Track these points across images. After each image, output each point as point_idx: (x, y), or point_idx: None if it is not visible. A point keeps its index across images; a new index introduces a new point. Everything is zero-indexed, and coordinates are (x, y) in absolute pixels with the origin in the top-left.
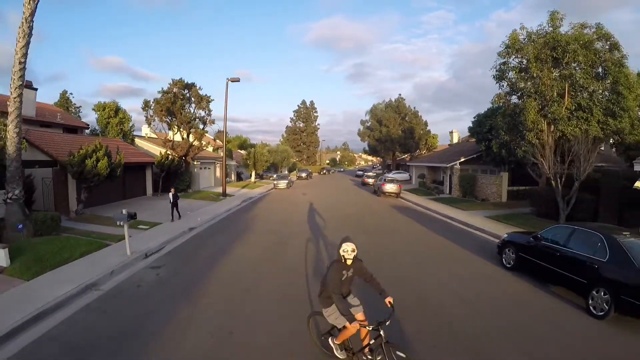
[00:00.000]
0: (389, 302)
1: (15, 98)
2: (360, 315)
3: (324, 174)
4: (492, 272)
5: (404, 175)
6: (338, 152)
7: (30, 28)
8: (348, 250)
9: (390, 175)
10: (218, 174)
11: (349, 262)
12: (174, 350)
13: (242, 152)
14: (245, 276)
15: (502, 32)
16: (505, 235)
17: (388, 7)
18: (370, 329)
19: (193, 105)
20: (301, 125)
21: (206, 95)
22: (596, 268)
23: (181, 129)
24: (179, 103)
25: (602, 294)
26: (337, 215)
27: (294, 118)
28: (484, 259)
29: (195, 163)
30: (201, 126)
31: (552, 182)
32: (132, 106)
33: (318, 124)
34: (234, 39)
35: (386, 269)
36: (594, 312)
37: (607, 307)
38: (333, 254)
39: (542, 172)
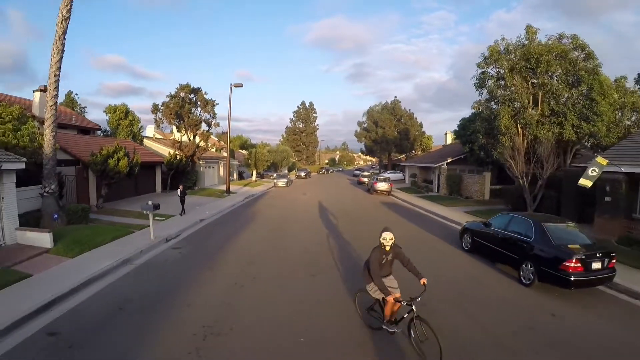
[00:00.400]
0: (423, 282)
1: (51, 106)
2: (397, 295)
3: (323, 173)
4: (453, 253)
5: (397, 175)
6: (337, 152)
7: (63, 45)
8: (387, 238)
9: (386, 175)
10: (221, 172)
11: (387, 248)
12: (197, 303)
13: (244, 152)
14: (250, 254)
15: (503, 32)
16: (465, 223)
17: (388, 7)
18: (404, 304)
19: (199, 108)
20: (301, 126)
21: (211, 99)
22: (525, 246)
23: (188, 131)
24: (186, 107)
25: (529, 266)
26: (330, 209)
27: (294, 119)
28: (449, 244)
29: (200, 162)
30: (206, 128)
31: (520, 180)
32: (132, 105)
33: (317, 125)
34: (235, 39)
35: (368, 251)
36: (524, 281)
37: (532, 277)
38: (323, 239)
39: (512, 172)
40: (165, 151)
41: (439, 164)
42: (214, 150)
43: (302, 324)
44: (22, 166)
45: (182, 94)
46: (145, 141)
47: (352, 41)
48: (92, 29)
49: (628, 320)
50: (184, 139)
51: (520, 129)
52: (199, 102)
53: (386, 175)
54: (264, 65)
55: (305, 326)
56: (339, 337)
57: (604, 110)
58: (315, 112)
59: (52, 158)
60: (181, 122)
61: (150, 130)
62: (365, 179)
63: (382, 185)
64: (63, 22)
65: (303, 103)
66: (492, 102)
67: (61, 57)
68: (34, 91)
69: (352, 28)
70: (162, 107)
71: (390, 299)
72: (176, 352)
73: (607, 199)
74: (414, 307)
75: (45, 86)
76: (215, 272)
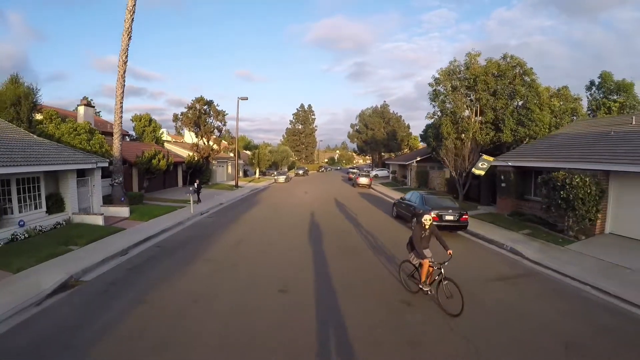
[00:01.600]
0: (450, 253)
1: (118, 123)
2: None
3: (322, 171)
4: (386, 219)
5: (384, 172)
6: (337, 152)
7: (124, 80)
8: (427, 219)
9: (373, 172)
10: (230, 170)
11: (426, 226)
12: (227, 241)
13: (247, 152)
14: (258, 219)
15: (503, 30)
16: (396, 199)
17: (388, 6)
18: (435, 268)
19: (212, 118)
20: (300, 127)
21: (222, 110)
22: (414, 208)
23: (204, 137)
24: (202, 117)
25: (414, 219)
26: (317, 197)
27: (293, 120)
28: (388, 215)
29: (213, 162)
30: (218, 134)
31: (453, 173)
32: (133, 106)
33: (315, 126)
34: (235, 39)
35: (339, 217)
36: (412, 228)
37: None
38: (308, 213)
39: (445, 166)
40: (181, 152)
41: (409, 162)
42: (222, 152)
43: (290, 239)
44: (107, 165)
45: (197, 106)
46: (166, 144)
47: (353, 41)
48: (91, 29)
49: (461, 248)
50: (200, 143)
51: (460, 134)
52: (212, 113)
53: (373, 172)
54: (264, 64)
55: (285, 234)
56: (303, 225)
57: (539, 117)
58: (313, 114)
59: (119, 159)
60: (198, 129)
61: (163, 135)
62: (353, 175)
63: (363, 180)
64: (123, 65)
65: (302, 105)
66: (442, 113)
67: (123, 90)
68: (78, 106)
69: (352, 28)
70: (181, 117)
71: (425, 262)
72: (224, 249)
73: (503, 184)
74: (442, 270)
75: (88, 101)
76: (239, 225)
